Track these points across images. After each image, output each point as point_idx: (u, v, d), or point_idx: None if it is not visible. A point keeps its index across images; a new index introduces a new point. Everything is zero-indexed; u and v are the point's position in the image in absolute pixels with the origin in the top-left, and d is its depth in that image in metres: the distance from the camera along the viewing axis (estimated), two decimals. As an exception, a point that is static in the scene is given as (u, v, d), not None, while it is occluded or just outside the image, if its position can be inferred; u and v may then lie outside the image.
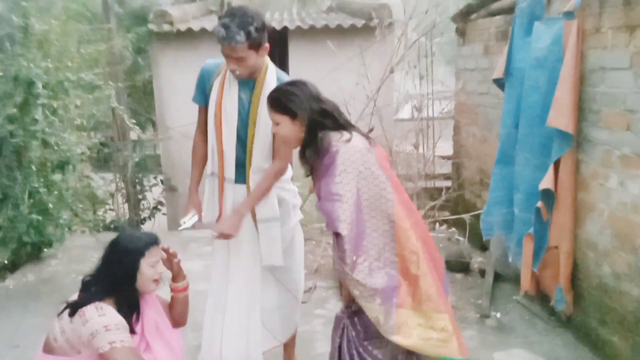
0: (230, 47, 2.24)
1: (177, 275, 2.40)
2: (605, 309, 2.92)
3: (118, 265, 2.09)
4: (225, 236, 2.42)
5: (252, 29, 2.23)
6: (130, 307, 2.13)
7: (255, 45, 2.29)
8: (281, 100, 2.05)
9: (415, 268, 1.94)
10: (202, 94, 2.54)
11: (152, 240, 2.16)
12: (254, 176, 2.49)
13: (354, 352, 2.07)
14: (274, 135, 2.47)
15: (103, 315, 1.98)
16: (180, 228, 2.55)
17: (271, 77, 2.43)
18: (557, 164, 3.08)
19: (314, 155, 2.00)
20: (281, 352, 2.90)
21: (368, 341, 2.05)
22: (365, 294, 1.90)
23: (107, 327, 1.95)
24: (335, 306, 3.73)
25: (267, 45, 2.37)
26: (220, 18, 2.29)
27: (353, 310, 2.08)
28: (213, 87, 2.46)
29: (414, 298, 1.94)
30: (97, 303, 2.01)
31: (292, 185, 2.73)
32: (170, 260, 2.36)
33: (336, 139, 1.98)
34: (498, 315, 3.46)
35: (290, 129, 2.05)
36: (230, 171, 2.49)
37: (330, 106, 2.07)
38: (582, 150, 3.06)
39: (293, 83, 2.11)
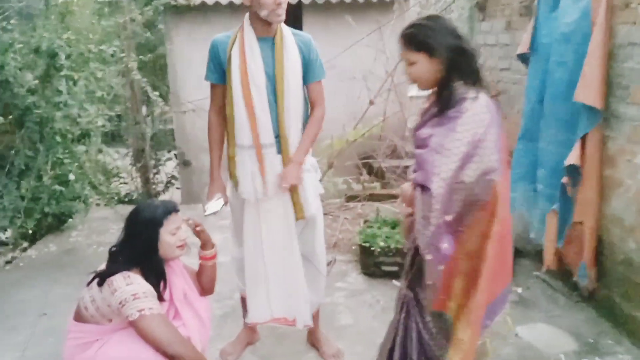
0: None
1: (206, 243, 2.44)
2: (629, 284, 2.95)
3: (139, 237, 2.13)
4: (292, 187, 2.47)
5: None
6: (157, 276, 2.17)
7: None
8: (418, 36, 1.86)
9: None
10: (218, 70, 2.50)
11: (170, 209, 2.19)
12: (290, 137, 2.48)
13: (413, 325, 2.03)
14: (309, 88, 2.55)
15: (131, 283, 2.02)
16: (206, 214, 2.52)
17: (287, 32, 2.47)
18: (583, 140, 3.07)
19: (448, 102, 1.85)
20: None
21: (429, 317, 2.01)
22: (437, 260, 1.85)
23: (136, 295, 2.00)
24: (355, 279, 3.78)
25: None
26: None
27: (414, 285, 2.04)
28: (232, 56, 2.43)
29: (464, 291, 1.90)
30: (124, 272, 2.05)
31: (312, 158, 2.73)
32: (195, 230, 2.40)
33: (470, 95, 1.85)
34: (519, 290, 3.49)
35: (428, 68, 1.88)
36: (267, 137, 2.47)
37: (467, 45, 1.91)
38: (609, 126, 3.05)
39: (429, 17, 1.96)
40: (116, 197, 6.61)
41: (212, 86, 2.58)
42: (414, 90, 7.99)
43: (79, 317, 2.16)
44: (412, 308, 2.03)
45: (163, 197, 7.65)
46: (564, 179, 3.13)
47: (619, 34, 2.96)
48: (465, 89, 1.86)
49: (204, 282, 2.47)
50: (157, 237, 2.14)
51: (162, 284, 2.21)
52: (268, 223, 2.57)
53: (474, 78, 1.89)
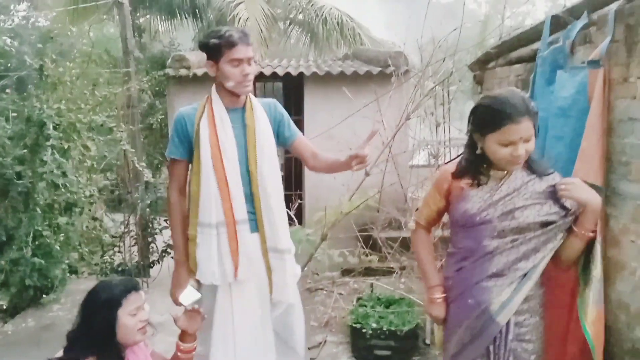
0: (246, 46, 2.27)
1: (190, 335, 2.24)
2: (639, 377, 2.69)
3: (94, 320, 1.95)
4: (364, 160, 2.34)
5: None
6: None
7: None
8: (535, 107, 1.93)
9: None
10: (183, 144, 2.39)
11: (130, 287, 2.02)
12: (273, 208, 2.34)
13: None
14: (295, 145, 2.50)
15: None
16: (185, 304, 2.28)
17: (255, 100, 2.43)
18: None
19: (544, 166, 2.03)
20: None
21: None
22: None
23: None
24: (346, 364, 3.53)
25: None
26: (209, 35, 2.34)
27: None
28: (201, 128, 2.33)
29: None
30: None
31: (290, 240, 2.55)
32: (192, 318, 2.22)
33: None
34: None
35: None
36: (241, 212, 2.32)
37: None
38: (611, 204, 2.89)
39: (516, 89, 2.03)
40: (109, 268, 6.45)
41: (174, 162, 2.44)
42: (420, 159, 7.95)
43: None
44: None
45: (158, 267, 7.45)
46: (566, 260, 2.94)
47: (617, 109, 2.87)
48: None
49: None
50: (115, 319, 1.96)
51: None
52: (242, 310, 2.37)
53: None
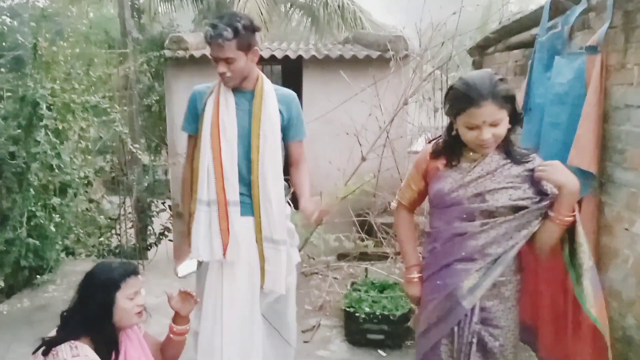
0: (218, 45, 2.19)
1: (183, 318, 2.25)
2: (629, 365, 2.70)
3: (92, 301, 1.96)
4: (322, 214, 2.34)
5: (239, 26, 2.20)
6: (108, 346, 1.98)
7: (244, 46, 2.23)
8: (506, 92, 1.81)
9: None
10: (195, 120, 2.41)
11: (129, 271, 2.03)
12: (270, 195, 2.33)
13: None
14: (290, 147, 2.45)
15: (77, 355, 1.85)
16: (180, 275, 2.38)
17: (268, 86, 2.36)
18: (578, 206, 2.89)
19: (520, 152, 1.93)
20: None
21: None
22: None
23: None
24: (338, 347, 3.54)
25: (257, 49, 2.30)
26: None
27: None
28: (207, 106, 2.34)
29: None
30: (71, 342, 1.89)
31: (289, 223, 2.57)
32: (186, 301, 2.23)
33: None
34: None
35: (507, 124, 1.87)
36: (233, 194, 2.32)
37: None
38: (606, 192, 2.88)
39: (486, 71, 1.88)
40: (106, 250, 6.46)
41: (188, 137, 2.49)
42: (417, 146, 7.92)
43: None
44: None
45: (154, 249, 7.48)
46: (559, 247, 2.93)
47: (614, 96, 2.84)
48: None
49: (167, 356, 2.28)
50: (113, 300, 1.97)
51: (113, 356, 2.03)
52: (230, 291, 2.38)
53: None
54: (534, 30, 3.58)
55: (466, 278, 1.92)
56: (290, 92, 2.46)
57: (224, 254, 2.33)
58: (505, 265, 1.92)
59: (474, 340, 1.91)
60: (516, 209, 1.91)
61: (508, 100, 1.82)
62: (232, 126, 2.31)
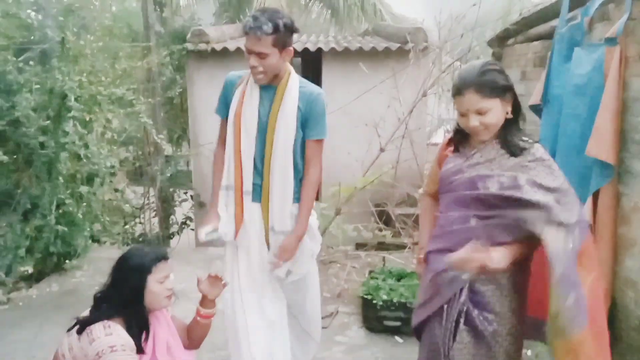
0: (255, 38, 2.21)
1: (211, 301, 2.32)
2: (644, 353, 2.73)
3: (125, 283, 2.05)
4: (286, 259, 2.42)
5: (280, 23, 2.22)
6: (139, 327, 2.07)
7: (280, 43, 2.25)
8: (495, 81, 1.83)
9: None
10: (225, 106, 2.50)
11: (160, 256, 2.12)
12: (273, 188, 2.41)
13: None
14: (306, 144, 2.45)
15: (110, 334, 1.94)
16: (202, 239, 2.47)
17: (293, 84, 2.38)
18: (595, 196, 2.92)
19: (518, 147, 1.87)
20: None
21: None
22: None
23: (113, 347, 1.91)
24: (356, 333, 3.62)
25: (291, 49, 2.33)
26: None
27: None
28: (234, 95, 2.42)
29: None
30: (105, 322, 1.97)
31: (314, 220, 2.62)
32: (214, 285, 2.30)
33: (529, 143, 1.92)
34: (529, 353, 3.28)
35: (501, 112, 1.86)
36: (248, 183, 2.43)
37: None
38: (623, 182, 2.90)
39: (488, 62, 1.90)
40: (130, 238, 6.62)
41: (221, 121, 2.57)
42: (437, 138, 7.93)
43: None
44: None
45: (177, 238, 7.63)
46: (576, 237, 2.96)
47: (632, 87, 2.85)
48: (522, 131, 1.93)
49: (193, 338, 2.35)
50: (145, 284, 2.06)
51: (144, 335, 2.12)
52: (246, 273, 2.51)
53: (522, 122, 1.95)
54: (554, 22, 3.59)
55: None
56: (314, 90, 2.43)
57: (235, 237, 2.46)
58: None
59: (461, 320, 1.94)
60: (508, 201, 1.86)
61: (497, 90, 1.83)
62: (253, 119, 2.37)
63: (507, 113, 1.89)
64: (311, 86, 2.45)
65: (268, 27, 2.19)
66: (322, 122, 2.45)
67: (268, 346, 2.53)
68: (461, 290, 1.95)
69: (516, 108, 1.91)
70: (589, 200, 2.91)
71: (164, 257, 2.13)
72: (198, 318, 2.32)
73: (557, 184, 1.88)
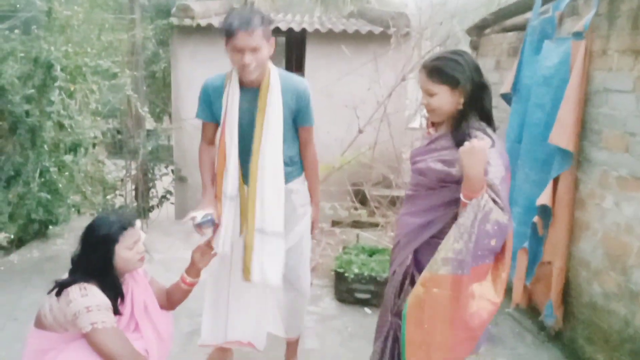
0: (247, 34, 2.20)
1: (197, 271, 2.41)
2: (593, 327, 2.95)
3: (93, 253, 2.10)
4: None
5: (261, 15, 2.28)
6: (113, 290, 2.15)
7: (267, 35, 2.30)
8: (444, 69, 1.91)
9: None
10: (209, 109, 2.52)
11: (126, 224, 2.14)
12: (260, 187, 2.44)
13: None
14: (299, 131, 2.56)
15: (86, 295, 2.01)
16: (196, 222, 2.42)
17: (275, 80, 2.42)
18: (556, 181, 3.11)
19: (464, 135, 1.90)
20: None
21: None
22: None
23: (89, 308, 1.99)
24: (328, 305, 3.80)
25: (274, 40, 2.38)
26: (224, 17, 2.30)
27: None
28: (222, 104, 2.46)
29: None
30: (81, 283, 2.04)
31: (304, 185, 2.71)
32: (205, 254, 2.40)
33: (484, 134, 1.91)
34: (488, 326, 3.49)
35: (448, 100, 1.93)
36: (233, 189, 2.50)
37: (487, 82, 1.98)
38: (582, 169, 3.09)
39: (455, 52, 1.97)
40: (111, 209, 6.69)
41: (204, 123, 2.60)
42: (415, 123, 8.08)
43: (39, 324, 2.14)
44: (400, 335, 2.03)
45: (157, 211, 7.71)
46: (535, 219, 3.16)
47: (594, 80, 3.03)
48: (479, 124, 1.94)
49: (171, 300, 2.45)
50: (112, 254, 2.11)
51: (119, 298, 2.20)
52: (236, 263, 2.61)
53: (487, 115, 1.98)
54: (528, 14, 3.73)
55: (406, 233, 2.13)
56: (299, 84, 2.48)
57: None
58: (434, 230, 2.04)
59: (407, 281, 2.10)
60: (439, 179, 2.00)
61: (444, 78, 1.91)
62: (234, 126, 2.42)
63: (458, 104, 1.94)
64: (294, 79, 2.50)
65: (256, 21, 2.23)
66: (311, 110, 2.56)
67: (246, 323, 2.70)
68: (409, 256, 2.12)
69: (473, 101, 1.94)
70: (550, 184, 3.10)
71: (130, 224, 2.15)
72: (182, 284, 2.41)
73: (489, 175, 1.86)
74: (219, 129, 2.50)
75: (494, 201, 1.82)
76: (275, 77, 2.44)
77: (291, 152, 2.57)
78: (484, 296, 1.89)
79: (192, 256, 2.42)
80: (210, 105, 2.51)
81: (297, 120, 2.54)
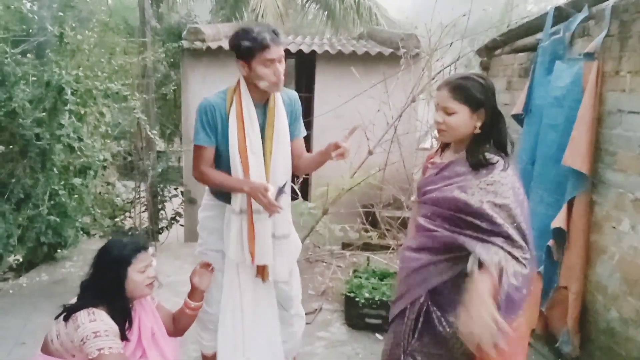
0: (279, 46, 2.29)
1: (200, 294, 2.42)
2: (610, 354, 2.86)
3: (106, 274, 2.12)
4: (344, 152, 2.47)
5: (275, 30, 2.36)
6: (122, 314, 2.15)
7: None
8: (471, 88, 1.88)
9: None
10: (213, 133, 2.43)
11: (139, 247, 2.18)
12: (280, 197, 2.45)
13: None
14: (294, 143, 2.55)
15: (94, 320, 2.01)
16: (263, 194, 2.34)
17: (278, 95, 2.47)
18: (570, 204, 3.05)
19: (480, 162, 1.87)
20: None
21: None
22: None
23: (97, 333, 1.98)
24: (338, 330, 3.72)
25: None
26: (239, 36, 2.30)
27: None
28: (230, 122, 2.40)
29: None
30: (89, 308, 2.05)
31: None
32: (203, 275, 2.40)
33: (499, 163, 1.87)
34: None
35: (466, 122, 1.89)
36: (243, 203, 2.46)
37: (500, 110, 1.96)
38: (597, 191, 3.03)
39: (479, 75, 1.96)
40: (120, 231, 6.69)
41: (204, 149, 2.45)
42: (427, 143, 8.04)
43: (45, 350, 2.14)
44: None
45: (166, 233, 7.71)
46: (550, 242, 3.09)
47: (608, 101, 2.98)
48: (495, 151, 1.91)
49: (178, 326, 2.44)
50: (125, 275, 2.13)
51: (127, 322, 2.20)
52: (246, 278, 2.59)
53: (503, 143, 1.94)
54: (539, 35, 3.71)
55: (416, 268, 2.02)
56: (293, 93, 2.59)
57: (252, 261, 2.52)
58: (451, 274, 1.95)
59: (421, 319, 1.99)
60: (453, 210, 1.91)
61: (468, 98, 1.88)
62: (258, 142, 2.41)
63: (475, 127, 1.91)
64: (286, 90, 2.54)
65: (280, 32, 2.33)
66: (302, 122, 2.63)
67: (265, 342, 2.66)
68: (422, 295, 2.01)
69: (490, 127, 1.92)
70: (564, 207, 3.04)
71: (143, 248, 2.18)
72: (186, 310, 2.40)
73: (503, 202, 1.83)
74: (234, 150, 2.41)
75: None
76: (278, 93, 2.47)
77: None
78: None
79: (191, 281, 2.41)
80: (215, 127, 2.42)
81: (293, 131, 2.55)
